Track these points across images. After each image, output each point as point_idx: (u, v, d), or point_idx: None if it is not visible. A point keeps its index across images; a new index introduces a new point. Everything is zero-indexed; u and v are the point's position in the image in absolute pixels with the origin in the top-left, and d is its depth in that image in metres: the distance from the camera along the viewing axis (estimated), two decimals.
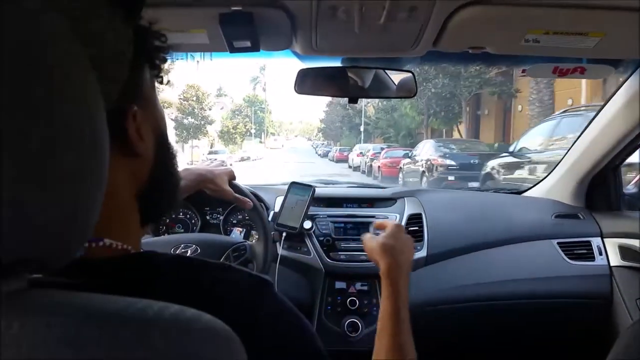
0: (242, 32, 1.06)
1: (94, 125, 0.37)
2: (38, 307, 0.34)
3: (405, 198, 1.76)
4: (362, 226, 1.64)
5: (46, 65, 0.33)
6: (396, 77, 1.39)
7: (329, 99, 37.90)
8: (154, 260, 0.49)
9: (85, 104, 0.36)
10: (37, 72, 0.32)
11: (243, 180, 1.46)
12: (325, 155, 33.73)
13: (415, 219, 1.66)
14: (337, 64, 1.38)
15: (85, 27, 0.40)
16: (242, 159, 28.95)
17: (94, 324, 0.33)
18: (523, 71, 1.31)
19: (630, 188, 1.77)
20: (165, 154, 0.56)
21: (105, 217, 0.44)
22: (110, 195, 0.46)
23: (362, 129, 31.25)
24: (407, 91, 1.35)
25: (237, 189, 1.29)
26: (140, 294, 0.38)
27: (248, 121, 38.38)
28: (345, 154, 25.22)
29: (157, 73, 0.54)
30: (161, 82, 0.56)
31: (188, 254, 1.24)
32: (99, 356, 0.32)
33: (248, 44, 1.11)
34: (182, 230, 1.70)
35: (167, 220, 1.69)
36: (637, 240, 1.56)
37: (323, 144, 48.27)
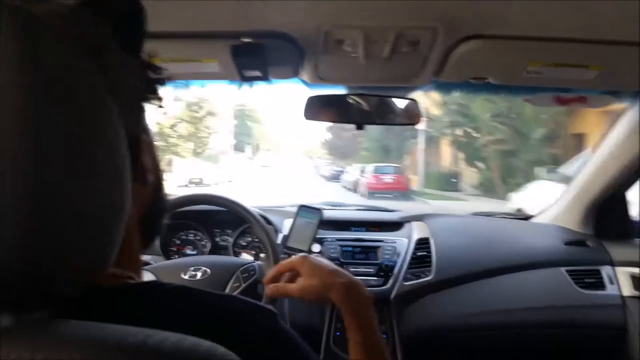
0: (252, 62, 1.11)
1: (122, 159, 0.39)
2: (62, 339, 0.35)
3: (412, 222, 1.77)
4: (370, 250, 1.65)
5: (75, 101, 0.35)
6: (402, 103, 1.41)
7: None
8: (158, 290, 0.50)
9: (114, 137, 0.39)
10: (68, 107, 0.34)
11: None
12: (334, 178, 25.79)
13: (423, 243, 1.66)
14: (343, 90, 1.42)
15: (101, 60, 0.42)
16: (189, 183, 18.20)
17: (94, 356, 0.34)
18: (526, 100, 1.34)
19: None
20: (161, 178, 0.57)
21: None
22: None
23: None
24: (411, 117, 1.38)
25: None
26: (143, 324, 0.38)
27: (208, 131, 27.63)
28: (387, 178, 17.11)
29: (158, 104, 0.55)
30: (160, 107, 0.56)
31: (198, 276, 1.26)
32: None
33: (258, 73, 1.16)
34: (193, 253, 1.73)
35: (178, 243, 1.72)
36: None
37: (328, 162, 37.92)
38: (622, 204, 1.69)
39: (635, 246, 1.68)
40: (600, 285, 1.62)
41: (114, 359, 0.34)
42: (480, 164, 15.74)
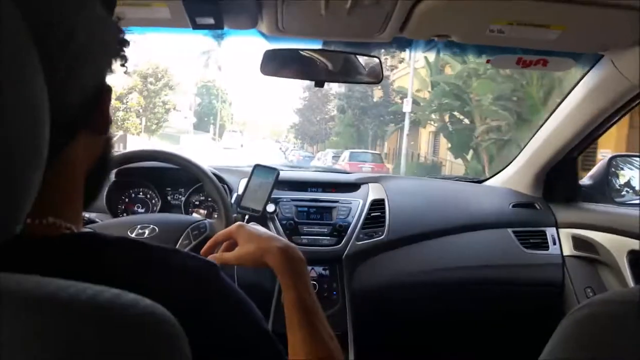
0: (205, 8, 1.03)
1: (38, 102, 0.36)
2: None
3: (369, 184, 1.77)
4: (325, 210, 1.64)
5: None
6: (364, 61, 1.38)
7: (304, 86, 28.54)
8: (95, 241, 0.48)
9: (26, 84, 0.35)
10: None
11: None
12: (303, 164, 22.51)
13: (377, 204, 1.68)
14: (304, 45, 1.36)
15: (85, 13, 0.44)
16: None
17: (21, 310, 0.32)
18: (488, 61, 1.33)
19: (586, 180, 1.82)
20: (110, 133, 0.57)
21: (53, 194, 0.46)
22: (67, 170, 0.48)
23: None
24: (374, 76, 1.34)
25: None
26: (77, 276, 0.36)
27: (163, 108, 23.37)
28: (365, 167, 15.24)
29: (123, 63, 0.55)
30: (125, 72, 0.58)
31: (146, 234, 1.21)
32: (27, 339, 0.31)
33: (211, 20, 1.08)
34: (142, 211, 1.66)
35: (127, 201, 1.65)
36: (590, 232, 1.62)
37: (295, 146, 35.41)
38: (572, 169, 1.75)
39: (578, 209, 1.75)
40: (544, 246, 1.71)
41: (17, 312, 0.32)
42: (467, 155, 13.57)
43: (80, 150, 0.49)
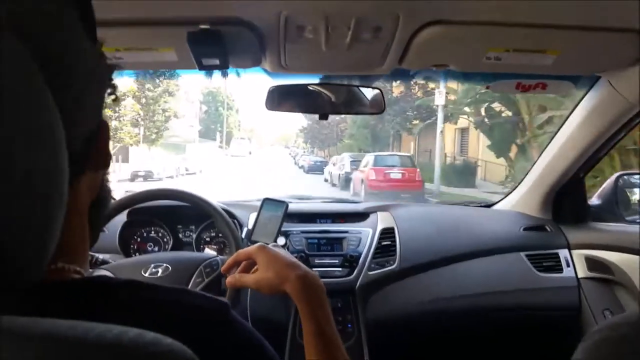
0: (210, 50, 1.07)
1: (59, 147, 0.37)
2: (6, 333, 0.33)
3: (378, 212, 1.78)
4: (336, 241, 1.64)
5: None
6: (367, 92, 1.41)
7: None
8: (108, 285, 0.48)
9: (50, 124, 0.36)
10: None
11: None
12: (315, 169, 21.62)
13: (387, 233, 1.68)
14: (308, 80, 1.40)
15: (79, 44, 0.43)
16: (133, 177, 15.90)
17: (51, 351, 0.33)
18: (487, 87, 1.35)
19: (595, 199, 1.82)
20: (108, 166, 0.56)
21: (61, 235, 0.44)
22: (73, 211, 0.46)
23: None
24: (376, 107, 1.37)
25: None
26: (90, 319, 0.37)
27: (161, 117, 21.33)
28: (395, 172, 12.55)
29: (112, 91, 0.54)
30: (115, 100, 0.56)
31: (159, 273, 1.22)
32: None
33: (217, 61, 1.12)
34: (155, 249, 1.67)
35: (139, 240, 1.66)
36: (603, 252, 1.60)
37: (305, 151, 34.91)
38: (580, 189, 1.75)
39: (590, 229, 1.74)
40: (558, 269, 1.69)
41: (46, 353, 0.32)
42: (510, 153, 11.45)
43: (84, 187, 0.48)
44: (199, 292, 0.52)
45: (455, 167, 15.07)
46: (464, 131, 16.45)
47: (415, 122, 18.44)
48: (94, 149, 0.48)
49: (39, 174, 0.34)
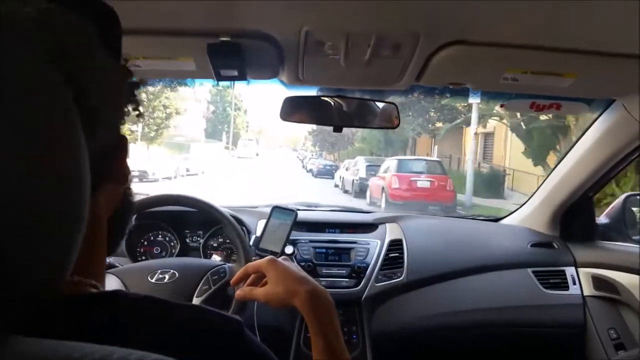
0: (229, 62, 1.08)
1: (82, 165, 0.37)
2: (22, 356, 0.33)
3: (386, 224, 1.78)
4: (344, 251, 1.65)
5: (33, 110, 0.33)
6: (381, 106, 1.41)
7: None
8: (122, 301, 0.48)
9: (74, 142, 0.36)
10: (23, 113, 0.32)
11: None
12: (324, 173, 20.61)
13: (396, 245, 1.68)
14: (322, 92, 1.40)
15: (99, 61, 0.44)
16: None
17: None
18: (502, 106, 1.36)
19: (602, 218, 1.82)
20: (130, 180, 0.57)
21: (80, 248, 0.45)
22: (92, 225, 0.46)
23: None
24: (390, 121, 1.38)
25: None
26: (105, 336, 0.37)
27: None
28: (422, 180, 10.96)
29: (135, 107, 0.54)
30: (138, 116, 0.56)
31: (166, 279, 1.22)
32: None
33: (235, 73, 1.13)
34: (162, 254, 1.67)
35: (146, 244, 1.67)
36: (610, 271, 1.60)
37: (313, 154, 32.73)
38: (588, 208, 1.76)
39: (597, 248, 1.74)
40: (564, 286, 1.69)
41: None
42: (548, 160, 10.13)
43: (102, 201, 0.49)
44: (214, 310, 0.52)
45: (481, 176, 13.49)
46: (487, 136, 15.44)
47: (438, 124, 16.72)
48: (112, 164, 0.49)
49: (60, 187, 0.35)
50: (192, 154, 24.70)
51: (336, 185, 16.23)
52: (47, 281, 0.36)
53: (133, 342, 0.37)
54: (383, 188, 10.91)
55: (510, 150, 13.28)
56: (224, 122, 42.06)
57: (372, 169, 13.00)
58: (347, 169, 15.73)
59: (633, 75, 1.09)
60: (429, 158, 13.25)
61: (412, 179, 10.74)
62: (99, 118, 0.43)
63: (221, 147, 37.20)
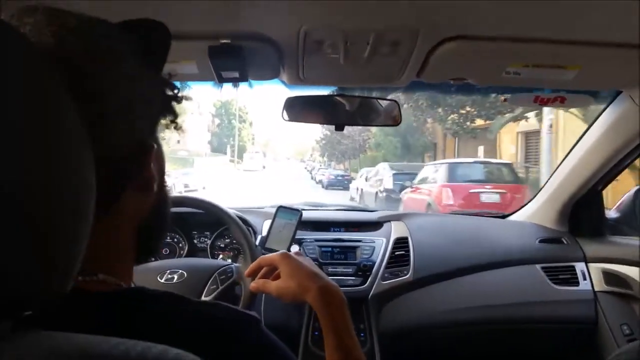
0: (230, 63, 1.09)
1: (87, 169, 0.38)
2: (22, 351, 0.34)
3: (391, 222, 1.78)
4: (349, 250, 1.65)
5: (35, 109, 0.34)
6: (383, 104, 1.40)
7: None
8: (142, 296, 0.50)
9: (77, 146, 0.37)
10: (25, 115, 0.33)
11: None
12: (336, 184, 19.27)
13: (401, 242, 1.67)
14: (323, 91, 1.41)
15: (121, 71, 0.46)
16: None
17: None
18: (504, 100, 1.35)
19: (612, 213, 1.80)
20: (165, 189, 0.58)
21: (104, 251, 0.48)
22: (116, 227, 0.50)
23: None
24: (392, 119, 1.38)
25: None
26: (126, 330, 0.38)
27: None
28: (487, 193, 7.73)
29: (172, 119, 0.56)
30: (176, 128, 0.58)
31: (175, 279, 1.24)
32: None
33: (236, 74, 1.13)
34: (171, 255, 1.69)
35: None
36: (621, 265, 1.58)
37: (321, 164, 31.63)
38: (597, 202, 1.73)
39: (607, 243, 1.72)
40: (574, 282, 1.67)
41: None
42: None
43: (127, 207, 0.50)
44: (230, 306, 0.53)
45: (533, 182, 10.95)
46: (529, 135, 13.04)
47: (478, 121, 13.80)
48: (134, 171, 0.49)
49: (62, 188, 0.35)
50: (195, 168, 24.34)
51: (352, 199, 14.25)
52: (53, 278, 0.37)
53: (150, 335, 0.38)
54: (429, 204, 8.04)
55: (564, 151, 11.26)
56: (230, 135, 41.61)
57: (401, 178, 10.39)
58: (366, 179, 13.31)
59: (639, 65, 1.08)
60: (493, 160, 9.73)
61: (472, 190, 7.67)
62: (111, 124, 0.45)
63: (226, 161, 36.87)
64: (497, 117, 12.61)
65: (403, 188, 9.63)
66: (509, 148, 13.35)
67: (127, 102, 0.46)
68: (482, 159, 10.25)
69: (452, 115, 14.52)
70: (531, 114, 10.62)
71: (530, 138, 13.35)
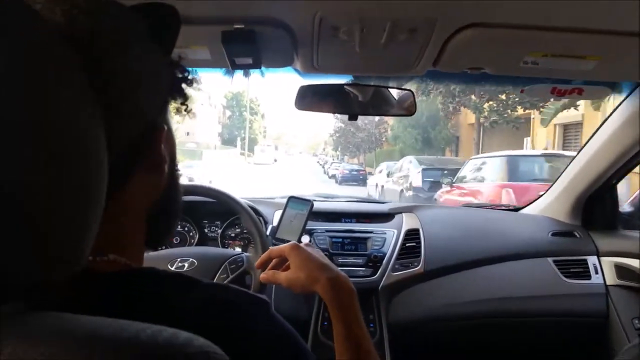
0: (243, 49, 1.07)
1: (97, 150, 0.38)
2: (31, 332, 0.34)
3: (403, 214, 1.77)
4: (360, 241, 1.64)
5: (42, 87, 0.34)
6: (397, 94, 1.39)
7: None
8: (153, 277, 0.50)
9: (89, 127, 0.37)
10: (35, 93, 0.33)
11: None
12: (349, 180, 18.37)
13: (412, 234, 1.67)
14: (337, 80, 1.39)
15: (131, 52, 0.46)
16: None
17: (86, 350, 0.33)
18: (521, 91, 1.33)
19: (626, 207, 1.78)
20: (176, 174, 0.58)
21: (114, 232, 0.48)
22: (125, 209, 0.50)
23: None
24: (406, 109, 1.36)
25: None
26: (137, 310, 0.39)
27: None
28: None
29: (183, 101, 0.57)
30: (187, 111, 0.58)
31: (185, 268, 1.24)
32: None
33: (250, 61, 1.12)
34: (181, 244, 1.70)
35: None
36: (634, 260, 1.56)
37: (334, 158, 31.50)
38: (611, 196, 1.71)
39: (620, 237, 1.70)
40: (586, 275, 1.66)
41: (83, 352, 0.33)
42: None
43: (136, 189, 0.50)
44: (240, 289, 0.53)
45: None
46: (567, 127, 11.74)
47: (519, 110, 11.90)
48: (144, 152, 0.49)
49: (73, 169, 0.35)
50: (203, 161, 23.48)
51: (370, 197, 12.44)
52: (65, 259, 0.37)
53: (162, 315, 0.39)
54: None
55: None
56: (241, 127, 40.76)
57: (431, 174, 9.01)
58: (388, 175, 11.89)
59: None
60: (564, 152, 7.58)
61: (541, 193, 4.56)
62: (121, 104, 0.44)
63: (236, 154, 36.16)
64: (546, 106, 11.01)
65: (433, 185, 8.42)
66: (542, 142, 11.83)
67: (137, 82, 0.46)
68: (546, 151, 8.43)
69: (489, 103, 12.47)
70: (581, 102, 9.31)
71: (569, 130, 12.06)
